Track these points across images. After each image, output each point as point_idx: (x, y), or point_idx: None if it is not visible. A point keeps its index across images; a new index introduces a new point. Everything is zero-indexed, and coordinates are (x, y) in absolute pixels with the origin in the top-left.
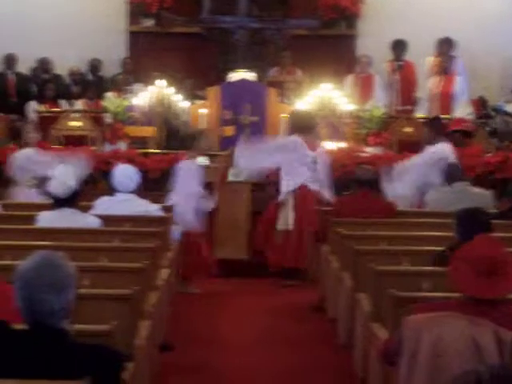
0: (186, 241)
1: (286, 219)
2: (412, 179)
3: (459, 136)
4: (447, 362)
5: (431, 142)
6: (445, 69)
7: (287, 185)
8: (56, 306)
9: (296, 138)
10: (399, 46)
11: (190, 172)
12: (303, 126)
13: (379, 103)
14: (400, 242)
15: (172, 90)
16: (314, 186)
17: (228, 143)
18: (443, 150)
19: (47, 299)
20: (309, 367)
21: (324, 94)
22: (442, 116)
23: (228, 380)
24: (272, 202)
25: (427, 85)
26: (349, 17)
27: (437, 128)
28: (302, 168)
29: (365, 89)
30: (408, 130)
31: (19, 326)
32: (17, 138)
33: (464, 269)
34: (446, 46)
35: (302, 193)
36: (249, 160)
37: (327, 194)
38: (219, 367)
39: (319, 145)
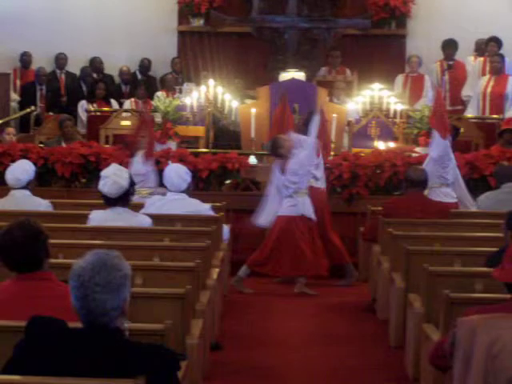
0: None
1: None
2: None
3: (509, 136)
4: (503, 364)
5: None
6: (497, 69)
7: None
8: (110, 305)
9: None
10: (449, 46)
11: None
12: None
13: (430, 103)
14: (452, 242)
15: (221, 89)
16: None
17: None
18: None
19: (102, 299)
20: (359, 367)
21: (374, 94)
22: (494, 116)
23: (278, 379)
24: None
25: (476, 84)
26: (399, 16)
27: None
28: None
29: (415, 89)
30: None
31: (75, 325)
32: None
33: (505, 264)
34: (493, 44)
35: None
36: None
37: None
38: (270, 367)
39: None
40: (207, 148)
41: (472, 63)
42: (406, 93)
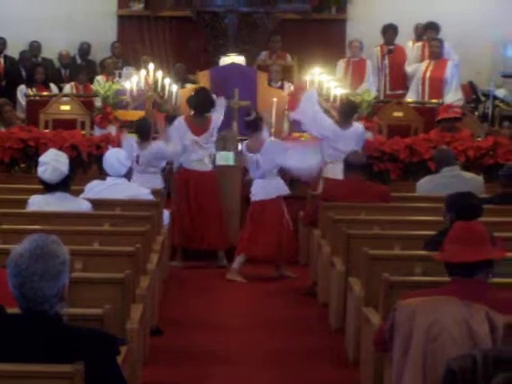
0: None
1: None
2: None
3: (446, 124)
4: (441, 347)
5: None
6: (436, 53)
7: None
8: (49, 293)
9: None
10: (389, 31)
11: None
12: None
13: (371, 88)
14: (392, 226)
15: (161, 73)
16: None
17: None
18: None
19: (40, 287)
20: (300, 351)
21: (314, 79)
22: (433, 101)
23: (219, 364)
24: None
25: (415, 67)
26: (339, 1)
27: (346, 115)
28: None
29: (357, 73)
30: (398, 114)
31: (14, 310)
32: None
33: (446, 245)
34: (430, 31)
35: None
36: None
37: None
38: (210, 351)
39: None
40: None
41: (410, 48)
42: (348, 78)
